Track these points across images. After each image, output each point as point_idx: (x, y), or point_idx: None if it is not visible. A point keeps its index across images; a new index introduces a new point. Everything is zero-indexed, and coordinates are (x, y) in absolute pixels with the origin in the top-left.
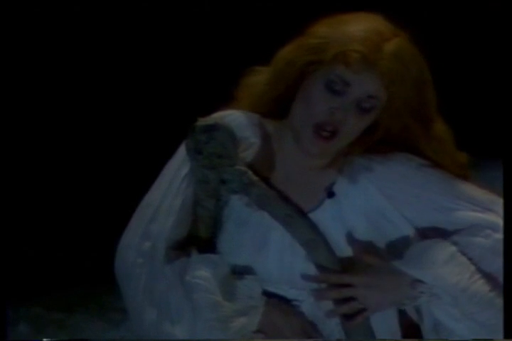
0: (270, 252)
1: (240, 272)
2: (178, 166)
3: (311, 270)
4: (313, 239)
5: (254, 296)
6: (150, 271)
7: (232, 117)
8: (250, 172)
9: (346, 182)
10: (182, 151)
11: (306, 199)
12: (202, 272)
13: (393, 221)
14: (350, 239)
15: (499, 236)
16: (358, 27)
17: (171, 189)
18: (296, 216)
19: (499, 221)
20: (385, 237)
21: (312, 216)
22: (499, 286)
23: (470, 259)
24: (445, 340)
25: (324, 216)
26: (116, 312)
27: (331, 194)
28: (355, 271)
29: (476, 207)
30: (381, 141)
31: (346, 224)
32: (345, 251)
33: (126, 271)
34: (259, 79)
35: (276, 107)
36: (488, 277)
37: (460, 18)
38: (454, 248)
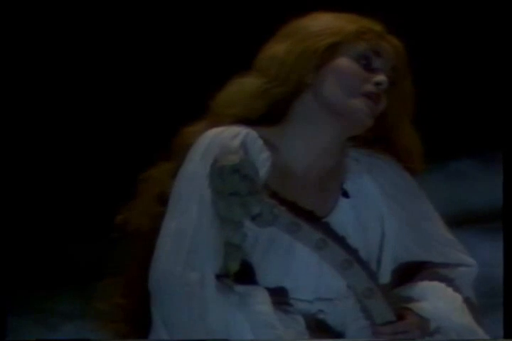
0: (297, 263)
1: (271, 294)
2: (201, 192)
3: (339, 279)
4: (347, 259)
5: (301, 330)
6: (202, 301)
7: (231, 134)
8: (277, 203)
9: (355, 180)
10: (196, 175)
11: (322, 203)
12: (262, 307)
13: (383, 218)
14: (367, 238)
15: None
16: (344, 15)
17: (204, 218)
18: (328, 239)
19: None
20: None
21: (329, 219)
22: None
23: (459, 288)
24: (445, 340)
25: (341, 217)
26: (55, 316)
27: (345, 194)
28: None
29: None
30: (374, 139)
31: (362, 223)
32: (366, 251)
33: (173, 301)
34: (249, 85)
35: (268, 112)
36: (472, 305)
37: (450, 16)
38: (459, 296)
